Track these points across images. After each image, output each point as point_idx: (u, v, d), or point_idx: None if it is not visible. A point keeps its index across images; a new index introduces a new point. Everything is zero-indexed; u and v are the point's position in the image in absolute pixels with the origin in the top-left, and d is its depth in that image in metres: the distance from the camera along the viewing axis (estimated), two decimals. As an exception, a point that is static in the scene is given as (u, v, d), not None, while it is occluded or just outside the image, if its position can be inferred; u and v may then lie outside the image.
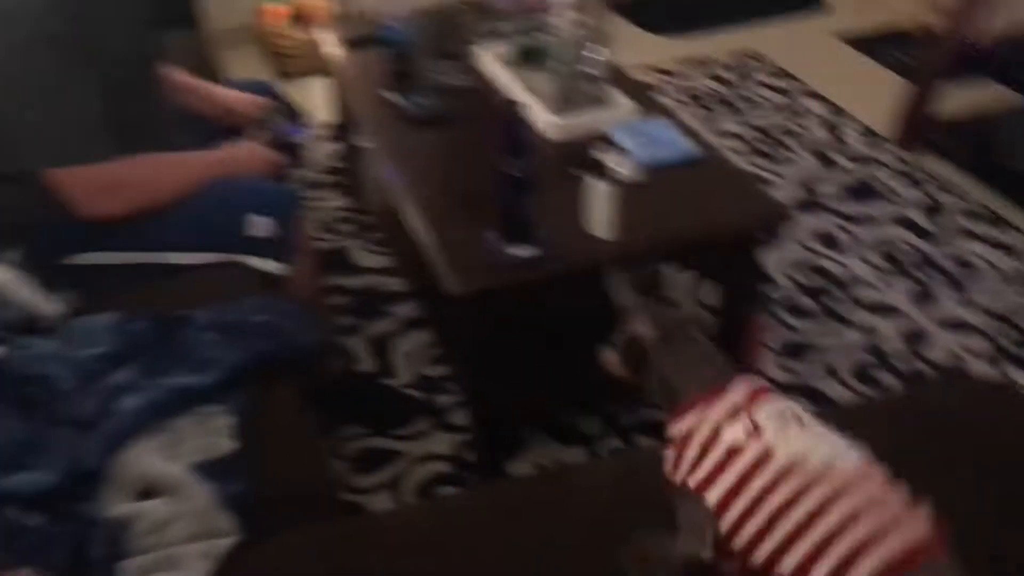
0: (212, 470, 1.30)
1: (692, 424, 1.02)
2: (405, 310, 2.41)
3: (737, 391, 1.01)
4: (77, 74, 1.60)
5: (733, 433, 0.98)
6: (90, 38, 1.61)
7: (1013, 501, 1.24)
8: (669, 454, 1.05)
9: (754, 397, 1.01)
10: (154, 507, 1.24)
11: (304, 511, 1.31)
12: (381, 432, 2.06)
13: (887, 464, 1.28)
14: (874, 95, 3.36)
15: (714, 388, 1.02)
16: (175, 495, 1.25)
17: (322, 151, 3.13)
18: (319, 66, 3.60)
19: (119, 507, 1.24)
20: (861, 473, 0.94)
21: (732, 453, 0.97)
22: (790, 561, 0.91)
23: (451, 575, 1.17)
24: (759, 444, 0.96)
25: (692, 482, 1.00)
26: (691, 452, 1.01)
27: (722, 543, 0.98)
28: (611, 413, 2.10)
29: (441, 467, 1.99)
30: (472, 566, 1.18)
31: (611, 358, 1.15)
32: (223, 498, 1.26)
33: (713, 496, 0.98)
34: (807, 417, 1.00)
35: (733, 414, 0.99)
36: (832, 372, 2.19)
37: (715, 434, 0.99)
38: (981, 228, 2.65)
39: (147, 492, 1.28)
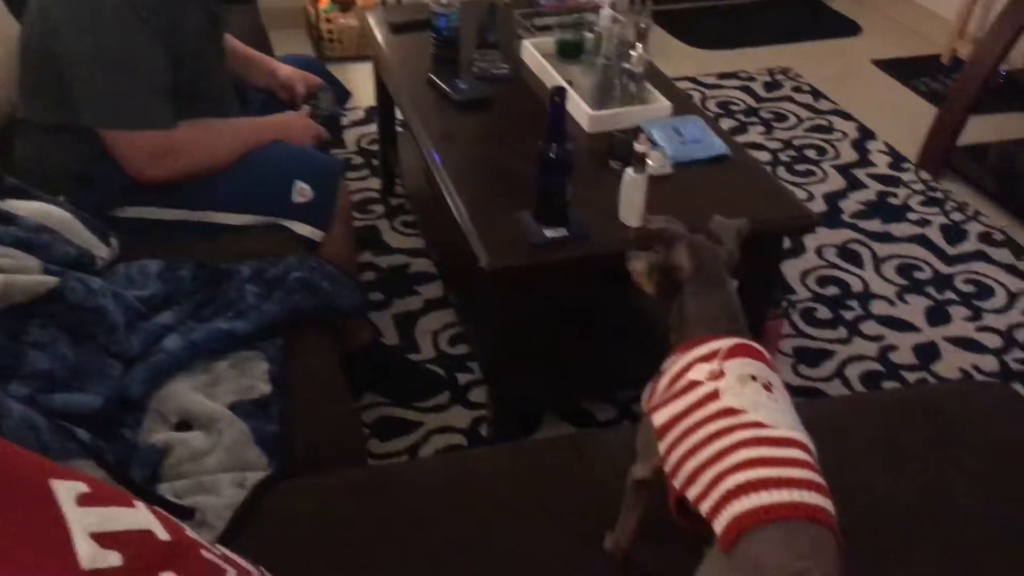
0: (248, 410, 1.37)
1: (676, 360, 1.08)
2: (431, 290, 2.47)
3: (727, 341, 1.06)
4: (153, 45, 1.68)
5: (699, 371, 1.04)
6: (168, 14, 1.70)
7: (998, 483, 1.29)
8: (650, 385, 1.11)
9: (737, 351, 1.05)
10: (192, 437, 1.31)
11: (332, 456, 1.38)
12: (401, 403, 2.13)
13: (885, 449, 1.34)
14: (902, 118, 3.42)
15: (716, 336, 1.07)
16: (212, 428, 1.32)
17: (358, 132, 3.21)
18: (358, 51, 3.69)
19: (159, 435, 1.31)
20: (785, 439, 0.97)
21: (689, 386, 1.03)
22: (693, 491, 0.96)
23: (465, 523, 1.23)
24: (713, 385, 1.01)
25: (649, 406, 1.07)
26: (663, 382, 1.08)
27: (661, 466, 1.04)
28: (625, 401, 2.16)
29: (458, 439, 2.05)
30: (486, 517, 1.24)
31: (638, 265, 1.20)
32: (257, 436, 1.32)
33: (659, 419, 1.04)
34: (778, 389, 1.03)
35: (709, 357, 1.04)
36: (842, 379, 2.24)
37: (686, 369, 1.05)
38: (998, 252, 2.70)
39: (186, 424, 1.35)
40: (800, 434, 0.99)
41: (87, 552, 0.79)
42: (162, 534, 0.90)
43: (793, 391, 2.19)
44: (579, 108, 2.08)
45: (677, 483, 1.00)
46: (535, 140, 1.68)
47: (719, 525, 0.92)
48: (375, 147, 3.07)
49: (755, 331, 2.01)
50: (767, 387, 1.02)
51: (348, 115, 3.25)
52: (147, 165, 1.74)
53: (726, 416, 0.98)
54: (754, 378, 1.02)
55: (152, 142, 1.73)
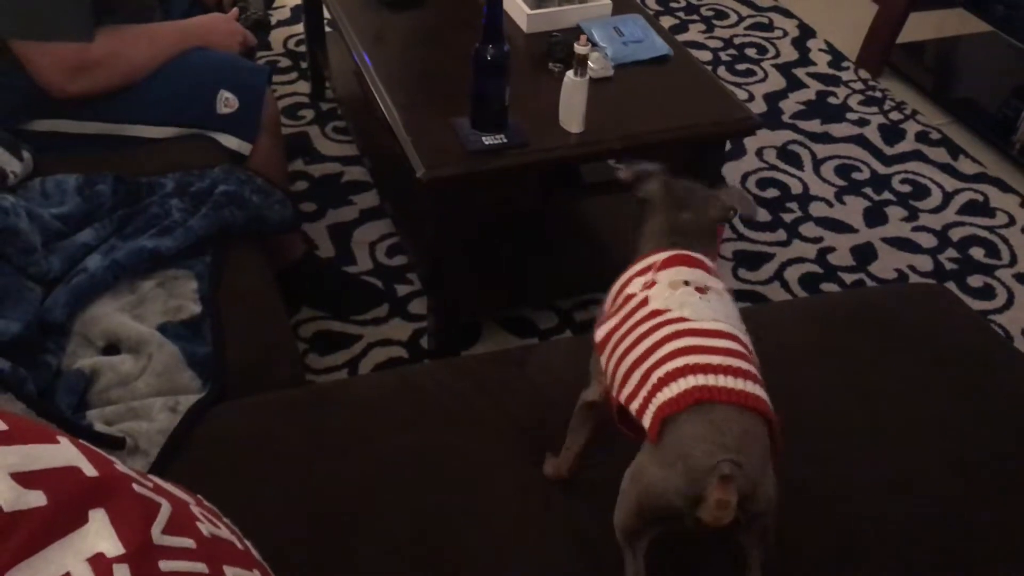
0: (178, 331, 1.32)
1: (619, 279, 1.08)
2: (366, 199, 2.41)
3: (663, 254, 1.05)
4: None
5: (635, 285, 1.03)
6: None
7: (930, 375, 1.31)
8: (599, 307, 1.11)
9: (672, 261, 1.04)
10: (121, 361, 1.25)
11: (268, 375, 1.34)
12: (339, 316, 2.08)
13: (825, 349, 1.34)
14: (843, 16, 3.37)
15: (658, 250, 1.06)
16: (141, 351, 1.26)
17: (285, 33, 3.07)
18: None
19: (85, 360, 1.26)
20: (712, 331, 0.95)
21: (626, 301, 1.03)
22: (625, 392, 0.96)
23: (406, 439, 1.21)
24: (644, 294, 1.01)
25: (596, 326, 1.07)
26: (607, 301, 1.08)
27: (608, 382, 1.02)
28: (566, 309, 2.14)
29: (398, 352, 2.02)
30: (427, 433, 1.22)
31: (624, 174, 1.16)
32: (189, 357, 1.28)
33: (598, 335, 1.04)
34: (715, 292, 1.01)
35: (645, 270, 1.04)
36: (781, 282, 2.25)
37: (625, 285, 1.05)
38: (934, 152, 2.71)
39: (114, 348, 1.29)
40: (732, 328, 0.97)
41: (8, 493, 0.75)
42: (89, 470, 0.86)
43: (733, 295, 2.20)
44: (516, 7, 2.00)
45: (614, 390, 0.99)
46: (471, 41, 1.61)
47: (647, 419, 0.91)
48: (303, 48, 2.94)
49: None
50: (701, 290, 1.00)
51: (274, 15, 3.10)
52: (65, 80, 1.63)
53: (652, 317, 0.98)
54: (687, 283, 1.00)
55: (69, 55, 1.61)
